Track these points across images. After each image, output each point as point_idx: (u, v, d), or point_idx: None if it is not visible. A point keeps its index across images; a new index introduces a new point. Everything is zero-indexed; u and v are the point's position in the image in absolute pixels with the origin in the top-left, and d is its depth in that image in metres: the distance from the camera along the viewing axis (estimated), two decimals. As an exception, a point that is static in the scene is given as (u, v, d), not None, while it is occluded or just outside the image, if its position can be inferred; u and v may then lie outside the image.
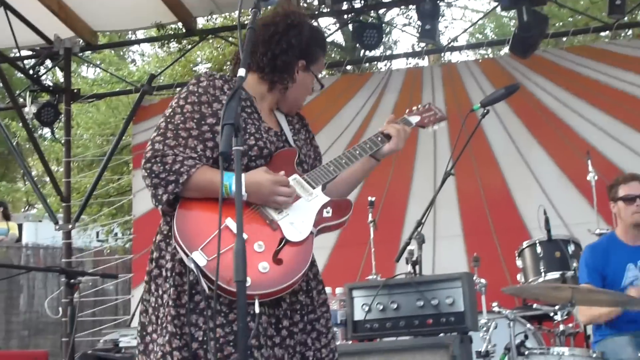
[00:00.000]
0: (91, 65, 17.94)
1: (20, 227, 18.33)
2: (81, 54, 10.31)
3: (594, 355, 5.02)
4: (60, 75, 11.54)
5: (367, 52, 9.70)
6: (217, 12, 9.56)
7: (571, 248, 6.19)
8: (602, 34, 12.73)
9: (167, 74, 15.54)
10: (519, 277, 6.40)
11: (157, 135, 3.05)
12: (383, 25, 9.43)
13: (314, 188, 3.19)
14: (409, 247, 5.18)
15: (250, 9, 3.08)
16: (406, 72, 9.84)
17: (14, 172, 24.31)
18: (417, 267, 5.05)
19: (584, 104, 8.60)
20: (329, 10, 10.22)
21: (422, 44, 9.63)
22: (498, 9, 10.04)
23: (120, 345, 7.64)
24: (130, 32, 14.36)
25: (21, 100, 9.88)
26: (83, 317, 9.88)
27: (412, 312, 4.58)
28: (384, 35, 9.43)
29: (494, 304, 5.45)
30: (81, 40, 9.71)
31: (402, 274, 5.01)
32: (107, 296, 11.61)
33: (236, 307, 2.72)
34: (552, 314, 5.59)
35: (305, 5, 11.95)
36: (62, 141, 10.21)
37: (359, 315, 4.70)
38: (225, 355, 2.88)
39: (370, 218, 6.42)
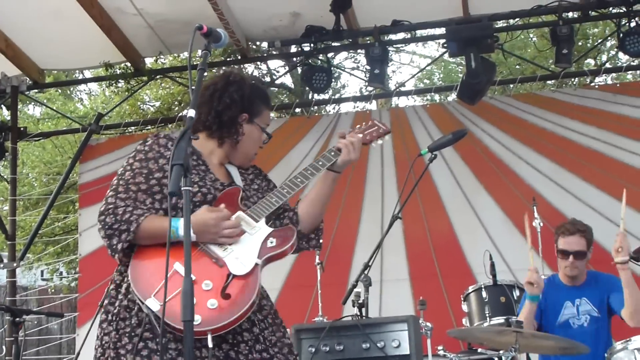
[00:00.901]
0: (38, 103, 17.82)
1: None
2: (28, 92, 10.24)
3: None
4: (5, 112, 11.42)
5: (316, 95, 9.74)
6: (165, 52, 9.56)
7: (516, 293, 6.24)
8: (549, 82, 13.00)
9: (114, 112, 15.48)
10: (465, 321, 6.43)
11: (110, 191, 3.26)
12: (332, 68, 9.48)
13: (257, 222, 3.34)
14: (355, 290, 5.20)
15: (200, 51, 3.12)
16: (355, 115, 9.90)
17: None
18: (363, 310, 5.07)
19: (530, 151, 8.73)
20: (278, 52, 10.30)
21: (370, 88, 9.69)
22: (446, 56, 10.15)
23: (64, 385, 7.54)
24: (77, 71, 14.31)
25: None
26: (27, 356, 9.73)
27: (358, 354, 4.59)
28: (332, 79, 9.49)
29: (440, 347, 5.47)
30: (28, 79, 9.64)
31: (348, 316, 5.01)
32: (52, 334, 11.44)
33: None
34: (496, 359, 5.63)
35: (254, 47, 12.00)
36: (8, 179, 10.08)
37: (305, 357, 4.69)
38: None
39: (317, 260, 6.44)
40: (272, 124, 9.88)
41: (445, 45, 8.51)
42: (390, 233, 5.66)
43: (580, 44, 14.90)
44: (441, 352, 5.42)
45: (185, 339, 2.53)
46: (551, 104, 8.96)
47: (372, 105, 15.52)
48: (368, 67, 8.89)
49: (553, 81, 11.53)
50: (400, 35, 11.01)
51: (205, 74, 3.08)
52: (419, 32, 9.40)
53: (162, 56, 9.84)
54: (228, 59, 12.84)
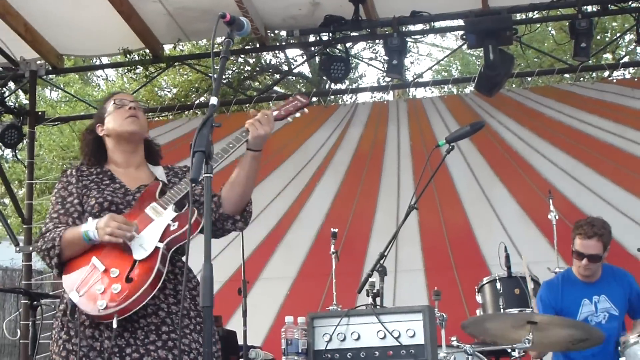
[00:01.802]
0: (55, 88, 17.87)
1: (-22, 248, 18.10)
2: (46, 77, 10.28)
3: (551, 391, 5.05)
4: (22, 96, 11.46)
5: (333, 85, 9.75)
6: (184, 39, 9.59)
7: (530, 285, 6.23)
8: (566, 75, 12.95)
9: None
10: (478, 312, 6.43)
11: (44, 226, 3.70)
12: (350, 58, 9.48)
13: (165, 209, 3.54)
14: (370, 279, 5.21)
15: (223, 39, 3.13)
16: (372, 106, 9.91)
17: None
18: (378, 299, 5.08)
19: (547, 144, 8.72)
20: (296, 41, 10.30)
21: (388, 79, 9.69)
22: (464, 47, 10.14)
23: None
24: (95, 57, 14.33)
25: (-17, 121, 9.81)
26: (42, 340, 9.77)
27: (372, 343, 4.59)
28: (350, 69, 9.49)
29: (453, 338, 5.47)
30: (47, 63, 9.68)
31: (363, 306, 5.03)
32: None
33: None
34: (509, 350, 5.64)
35: (273, 35, 12.00)
36: (25, 163, 10.13)
37: (320, 344, 4.71)
38: None
39: (332, 249, 6.45)
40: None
41: (464, 37, 8.49)
42: (405, 224, 5.66)
43: (598, 37, 14.85)
44: (455, 343, 5.42)
45: (205, 324, 2.55)
46: (569, 97, 8.95)
47: (389, 96, 15.55)
48: (386, 58, 8.89)
49: (571, 74, 11.48)
50: (419, 27, 11.00)
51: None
52: (438, 24, 9.37)
53: (180, 43, 9.86)
54: (246, 47, 12.86)
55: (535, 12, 9.02)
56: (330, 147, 9.35)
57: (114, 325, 3.31)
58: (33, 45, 9.18)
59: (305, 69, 18.72)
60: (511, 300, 6.18)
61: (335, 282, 6.36)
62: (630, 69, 15.43)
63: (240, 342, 6.51)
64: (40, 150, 16.27)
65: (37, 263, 16.49)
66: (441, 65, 19.76)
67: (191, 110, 10.93)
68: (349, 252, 7.82)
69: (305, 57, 15.86)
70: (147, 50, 9.51)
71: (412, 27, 11.56)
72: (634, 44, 13.45)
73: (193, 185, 3.03)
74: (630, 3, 8.72)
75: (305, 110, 3.77)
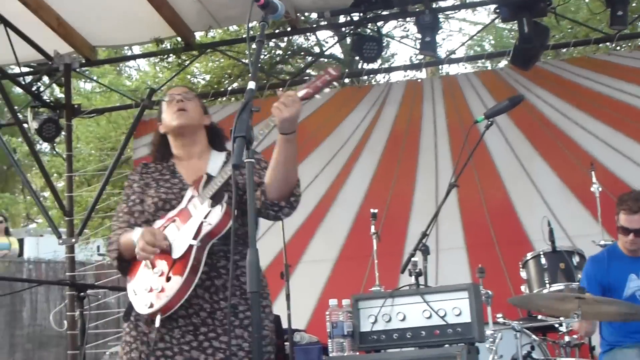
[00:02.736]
0: (89, 80, 17.97)
1: (21, 241, 18.30)
2: (80, 69, 10.33)
3: (600, 366, 5.01)
4: (58, 90, 11.54)
5: (366, 65, 9.68)
6: (215, 26, 9.56)
7: (575, 259, 6.18)
8: (603, 45, 12.78)
9: (166, 87, 15.56)
10: (523, 288, 6.39)
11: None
12: (382, 37, 9.41)
13: (202, 204, 3.59)
14: (412, 259, 5.19)
15: (258, 22, 3.11)
16: (406, 85, 9.84)
17: (13, 187, 24.33)
18: (421, 279, 5.06)
19: (586, 116, 8.60)
20: (327, 23, 10.25)
21: (420, 56, 9.62)
22: (497, 21, 10.03)
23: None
24: (127, 47, 14.37)
25: (21, 116, 9.88)
26: (87, 330, 9.87)
27: (418, 323, 4.58)
28: (383, 48, 9.42)
29: (499, 315, 5.44)
30: (80, 56, 9.71)
31: (406, 286, 5.00)
32: (110, 309, 11.60)
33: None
34: (557, 326, 5.60)
35: (303, 18, 11.97)
36: (64, 156, 10.21)
37: (365, 326, 4.70)
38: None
39: (373, 230, 6.42)
40: (323, 97, 9.91)
41: (497, 10, 8.40)
42: (446, 202, 5.63)
43: (634, 4, 14.62)
44: (501, 320, 5.39)
45: (253, 309, 2.56)
46: (606, 67, 8.81)
47: (423, 74, 15.43)
48: (418, 35, 8.83)
49: (607, 44, 11.32)
50: (450, 2, 10.91)
51: (253, 46, 3.08)
52: (469, -1, 9.29)
53: (211, 30, 9.85)
54: (277, 31, 12.82)
55: (569, -19, 8.90)
56: (366, 128, 9.29)
57: (157, 325, 3.46)
58: (66, 39, 9.21)
59: (337, 51, 18.65)
60: (556, 275, 6.13)
61: (377, 262, 6.33)
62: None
63: (285, 325, 6.54)
64: (77, 143, 16.37)
65: (80, 254, 16.66)
66: (474, 40, 19.59)
67: (225, 97, 10.92)
68: (389, 232, 7.77)
69: (336, 38, 15.79)
70: (179, 39, 9.52)
71: (443, 3, 11.45)
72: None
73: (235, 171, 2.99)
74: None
75: (335, 83, 3.70)
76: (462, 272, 8.19)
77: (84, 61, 9.84)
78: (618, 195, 5.82)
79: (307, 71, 13.48)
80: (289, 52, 17.41)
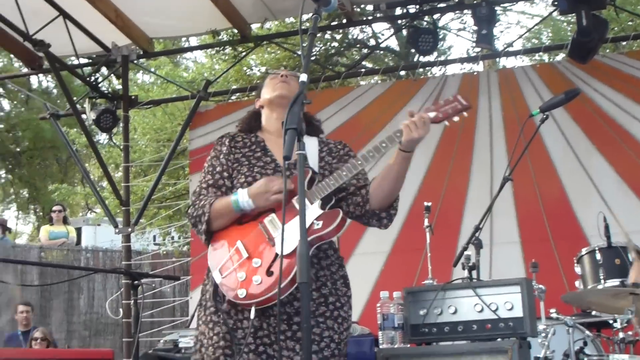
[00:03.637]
0: (146, 72, 18.13)
1: (79, 230, 18.60)
2: (137, 61, 10.45)
3: (655, 363, 4.94)
4: (116, 81, 11.68)
5: (422, 58, 9.64)
6: (271, 18, 9.59)
7: (631, 256, 6.09)
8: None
9: (221, 78, 15.67)
10: (578, 283, 6.32)
11: (194, 193, 3.84)
12: (438, 30, 9.37)
13: (311, 204, 3.52)
14: (465, 252, 5.17)
15: (310, 15, 3.13)
16: (462, 77, 9.78)
17: (72, 176, 24.70)
18: (474, 272, 5.04)
19: (645, 111, 8.48)
20: (383, 15, 10.22)
21: (477, 49, 9.55)
22: (555, 14, 9.92)
23: (180, 345, 7.74)
24: (184, 39, 14.50)
25: (79, 107, 10.03)
26: (142, 319, 9.99)
27: (470, 316, 4.57)
28: (438, 40, 9.38)
29: (553, 310, 5.40)
30: (138, 48, 9.83)
31: (459, 279, 4.99)
32: (165, 298, 11.74)
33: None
34: (611, 322, 5.53)
35: (359, 10, 11.95)
36: (121, 147, 10.34)
37: (416, 319, 4.70)
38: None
39: (426, 223, 6.39)
40: (377, 89, 9.93)
41: (555, 2, 8.31)
42: (501, 196, 5.59)
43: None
44: (554, 315, 5.35)
45: (302, 300, 2.59)
46: (667, 61, 8.67)
47: (479, 67, 15.33)
48: (475, 28, 8.76)
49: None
50: (508, -6, 10.80)
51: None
52: (528, -9, 9.20)
53: (267, 22, 9.89)
54: (332, 23, 12.84)
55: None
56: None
57: (252, 316, 3.39)
58: (124, 31, 9.34)
59: (393, 43, 18.59)
60: (611, 270, 6.04)
61: (430, 256, 6.31)
62: None
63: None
64: (134, 134, 16.54)
65: (136, 244, 16.87)
66: (531, 33, 19.38)
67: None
68: (442, 225, 7.73)
69: (392, 30, 15.75)
70: (235, 30, 9.58)
71: (500, -4, 11.36)
72: None
73: (286, 162, 2.99)
74: None
75: (465, 114, 3.63)
76: (516, 266, 8.13)
77: (141, 53, 9.96)
78: None
79: (362, 63, 13.48)
80: (345, 44, 17.41)
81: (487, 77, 9.44)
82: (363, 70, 11.86)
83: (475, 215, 5.58)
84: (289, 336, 3.47)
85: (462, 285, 4.74)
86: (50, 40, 8.58)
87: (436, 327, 4.65)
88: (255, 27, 10.30)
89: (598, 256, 6.12)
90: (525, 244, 8.48)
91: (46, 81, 22.82)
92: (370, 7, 9.76)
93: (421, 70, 12.18)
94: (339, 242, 6.64)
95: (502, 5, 13.69)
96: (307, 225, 3.38)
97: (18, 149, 24.16)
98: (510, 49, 11.15)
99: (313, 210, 3.49)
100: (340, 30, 15.98)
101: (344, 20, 10.08)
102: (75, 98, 10.24)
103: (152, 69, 16.70)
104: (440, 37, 12.83)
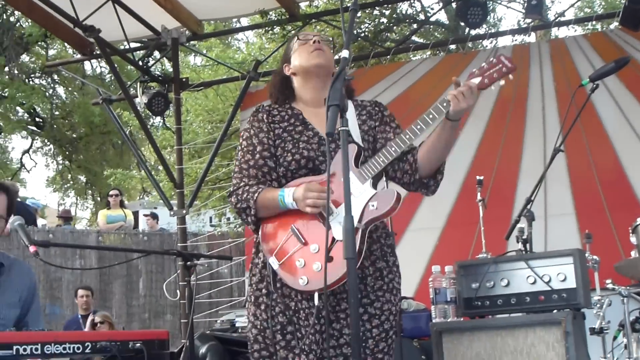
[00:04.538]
0: (197, 54, 18.26)
1: (136, 214, 18.82)
2: (187, 43, 10.52)
3: None
4: (168, 65, 11.80)
5: (472, 31, 9.56)
6: (319, -4, 9.62)
7: (688, 223, 6.01)
8: None
9: (271, 58, 15.72)
10: (634, 254, 6.26)
11: (234, 172, 3.75)
12: (487, 2, 9.27)
13: (362, 184, 3.43)
14: (519, 225, 5.15)
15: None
16: (513, 49, 9.69)
17: (128, 161, 25.00)
18: (527, 245, 5.02)
19: (699, 78, 8.33)
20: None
21: (528, 20, 9.44)
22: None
23: (237, 325, 7.82)
24: (234, 20, 14.56)
25: (132, 91, 10.15)
26: (200, 299, 10.15)
27: (522, 289, 4.55)
28: (488, 12, 9.29)
29: (608, 281, 5.36)
30: (187, 30, 9.90)
31: (512, 252, 4.98)
32: (222, 278, 11.86)
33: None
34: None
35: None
36: (173, 129, 10.44)
37: (469, 292, 4.70)
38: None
39: (479, 197, 6.37)
40: (427, 63, 9.89)
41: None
42: (554, 167, 5.56)
43: None
44: (610, 286, 5.31)
45: (349, 276, 2.60)
46: None
47: (531, 38, 15.15)
48: (525, -2, 8.68)
49: None
50: (558, -37, 10.65)
51: (359, 14, 3.11)
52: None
53: (315, 0, 9.90)
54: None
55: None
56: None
57: (316, 303, 3.36)
58: (173, 14, 9.40)
59: (442, 17, 18.45)
60: (668, 239, 5.97)
61: (484, 229, 6.28)
62: None
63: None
64: (187, 116, 16.69)
65: (192, 226, 17.05)
66: (583, 2, 19.12)
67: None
68: (496, 198, 7.70)
69: (441, 4, 15.63)
70: (283, 10, 9.59)
71: (550, -35, 11.23)
72: None
73: (329, 139, 2.95)
74: None
75: (511, 76, 3.51)
76: (571, 238, 8.06)
77: (190, 35, 10.03)
78: None
79: (412, 38, 13.41)
80: (394, 20, 17.31)
81: (538, 47, 9.33)
82: (412, 45, 11.81)
83: (528, 187, 5.53)
84: (349, 314, 3.37)
85: (514, 258, 4.72)
86: (100, 25, 8.67)
87: (489, 300, 4.64)
88: (303, 5, 10.30)
89: (654, 225, 6.04)
90: (580, 215, 8.40)
91: (99, 67, 23.08)
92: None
93: (471, 43, 12.11)
94: (391, 218, 6.68)
95: (552, -26, 13.51)
96: (362, 207, 3.36)
97: (74, 135, 24.50)
98: (562, 18, 11.00)
99: (366, 191, 3.42)
100: (389, 6, 15.88)
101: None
102: (127, 82, 10.35)
103: (203, 51, 16.81)
104: (490, 8, 12.68)
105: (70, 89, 24.35)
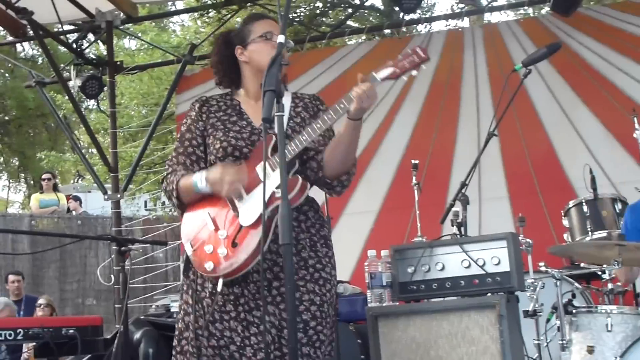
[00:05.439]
0: (132, 37, 18.04)
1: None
2: (122, 26, 10.39)
3: (644, 312, 4.97)
4: (102, 48, 11.64)
5: (406, 16, 9.60)
6: (254, -21, 9.56)
7: (618, 206, 6.13)
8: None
9: (207, 42, 15.61)
10: (566, 236, 6.36)
11: (167, 159, 3.84)
12: (422, -13, 9.32)
13: (273, 171, 3.45)
14: (453, 209, 5.19)
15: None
16: (447, 34, 9.74)
17: (62, 144, 24.66)
18: (462, 229, 5.06)
19: (629, 62, 8.45)
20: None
21: (462, 5, 9.52)
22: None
23: (172, 310, 7.77)
24: (169, 3, 14.42)
25: (66, 74, 9.99)
26: (135, 284, 10.05)
27: (457, 272, 4.57)
28: (423, -2, 9.34)
29: (541, 263, 5.43)
30: (122, 13, 9.78)
31: (447, 235, 5.01)
32: (157, 263, 11.77)
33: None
34: (599, 273, 5.57)
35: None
36: (108, 113, 10.32)
37: (404, 276, 4.72)
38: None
39: (414, 181, 6.40)
40: (363, 48, 9.90)
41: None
42: (488, 151, 5.61)
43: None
44: (543, 268, 5.38)
45: (285, 262, 2.59)
46: (650, 11, 8.65)
47: (465, 23, 15.24)
48: (459, -16, 8.74)
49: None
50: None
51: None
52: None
53: (251, -16, 9.84)
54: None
55: None
56: (407, 79, 9.22)
57: (219, 288, 3.41)
58: (107, -4, 9.28)
59: (377, 1, 18.52)
60: (598, 222, 6.10)
61: (419, 213, 6.32)
62: None
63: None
64: (121, 99, 16.50)
65: (126, 210, 16.88)
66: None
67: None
68: (431, 183, 7.75)
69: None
70: (219, -7, 9.52)
71: (484, -50, 11.30)
72: None
73: (267, 125, 2.94)
74: None
75: (423, 66, 3.52)
76: (505, 221, 8.15)
77: (125, 18, 9.90)
78: None
79: (347, 23, 13.41)
80: (329, 4, 17.30)
81: (471, 33, 9.42)
82: (348, 30, 11.81)
83: (463, 171, 5.58)
84: (269, 301, 3.47)
85: (448, 242, 4.75)
86: (33, 7, 8.54)
87: (424, 284, 4.65)
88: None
89: (585, 208, 6.17)
90: (513, 198, 8.52)
91: (31, 49, 22.70)
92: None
93: (406, 28, 12.13)
94: (327, 201, 6.69)
95: (486, -41, 13.60)
96: (268, 195, 3.35)
97: (7, 118, 24.09)
98: (495, 3, 11.12)
99: (274, 177, 3.42)
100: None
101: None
102: (61, 65, 10.19)
103: (138, 34, 16.61)
104: (425, -7, 12.74)
105: (1, 71, 23.91)
